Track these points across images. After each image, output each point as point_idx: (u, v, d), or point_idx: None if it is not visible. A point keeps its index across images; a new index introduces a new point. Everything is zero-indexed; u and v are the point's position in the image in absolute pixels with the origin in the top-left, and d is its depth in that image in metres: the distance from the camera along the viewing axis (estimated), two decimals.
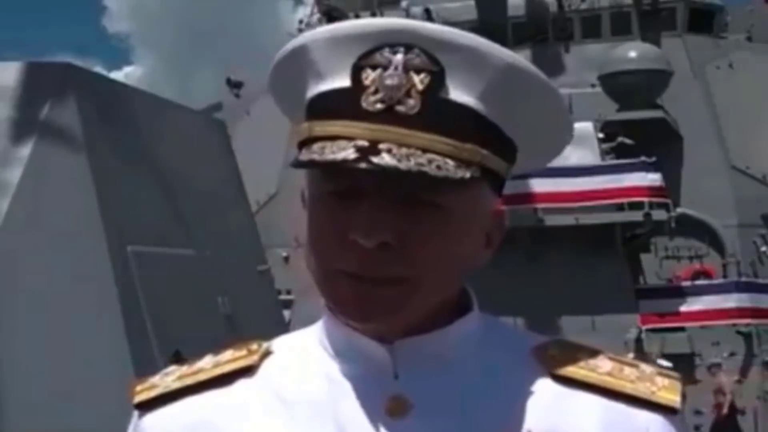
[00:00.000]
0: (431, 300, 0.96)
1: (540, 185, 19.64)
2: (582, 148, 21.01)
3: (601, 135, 21.77)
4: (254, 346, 1.04)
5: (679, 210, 22.14)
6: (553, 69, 24.65)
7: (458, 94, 0.92)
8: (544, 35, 26.39)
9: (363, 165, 0.87)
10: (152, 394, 1.03)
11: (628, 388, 0.97)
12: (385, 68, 0.91)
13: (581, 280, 19.19)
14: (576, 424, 0.95)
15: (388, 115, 0.90)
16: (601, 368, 0.99)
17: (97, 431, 3.12)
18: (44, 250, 3.40)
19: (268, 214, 20.83)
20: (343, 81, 0.93)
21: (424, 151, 0.90)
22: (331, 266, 0.94)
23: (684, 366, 19.26)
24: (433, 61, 0.91)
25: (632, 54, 22.88)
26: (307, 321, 1.06)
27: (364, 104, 0.91)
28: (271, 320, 4.77)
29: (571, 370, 0.98)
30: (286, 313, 9.57)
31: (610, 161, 21.10)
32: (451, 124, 0.91)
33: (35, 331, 3.31)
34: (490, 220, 1.00)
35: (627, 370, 0.99)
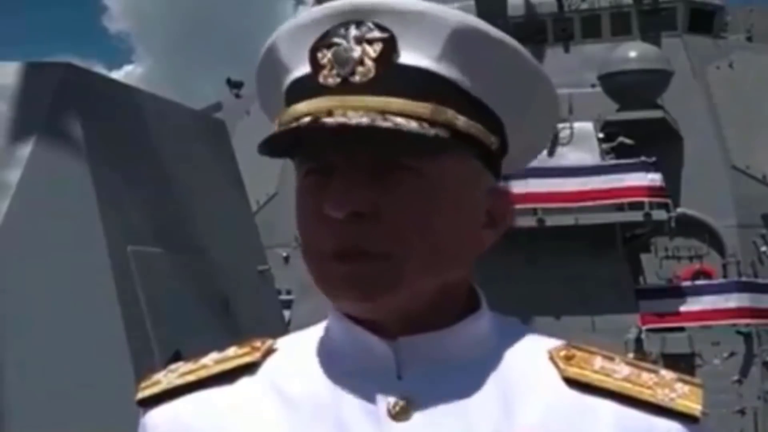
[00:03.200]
0: (426, 280, 0.93)
1: (540, 185, 19.66)
2: (582, 148, 21.05)
3: (601, 135, 21.81)
4: (258, 344, 1.04)
5: (679, 210, 22.17)
6: (553, 69, 24.68)
7: (414, 57, 0.91)
8: (544, 35, 26.39)
9: (314, 126, 0.89)
10: (155, 390, 1.03)
11: (646, 394, 0.93)
12: (339, 45, 0.92)
13: (581, 280, 19.22)
14: (588, 430, 0.92)
15: (345, 86, 0.91)
16: (617, 373, 0.95)
17: (97, 431, 3.12)
18: (44, 250, 3.40)
19: (268, 214, 20.85)
20: (306, 67, 0.94)
21: (382, 113, 0.89)
22: (316, 250, 0.94)
23: (684, 366, 19.30)
24: (384, 30, 0.92)
25: (632, 54, 22.91)
26: (307, 321, 1.06)
27: (321, 80, 0.92)
28: (271, 320, 4.77)
29: (586, 375, 0.95)
30: (286, 313, 9.57)
31: (610, 161, 21.14)
32: (409, 87, 0.91)
33: (35, 331, 3.31)
34: (486, 196, 0.98)
35: (645, 375, 0.95)
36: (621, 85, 22.62)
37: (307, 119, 0.90)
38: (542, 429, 0.92)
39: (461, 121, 0.93)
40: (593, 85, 23.62)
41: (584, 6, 26.61)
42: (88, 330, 3.34)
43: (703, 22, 26.50)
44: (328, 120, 0.89)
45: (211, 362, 1.03)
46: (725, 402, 19.34)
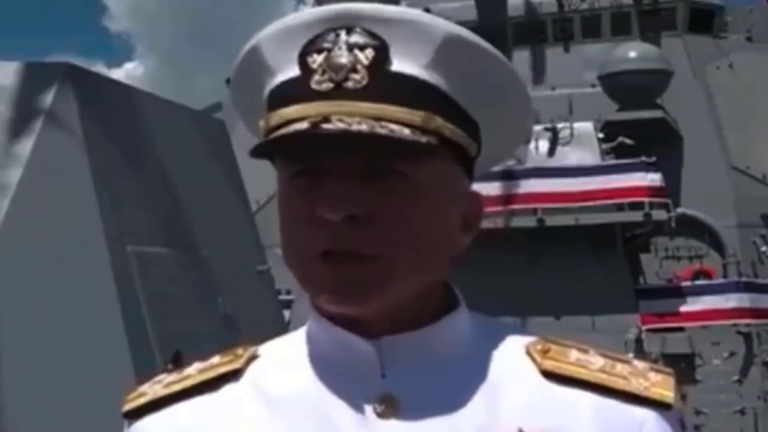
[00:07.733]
0: (410, 282, 0.95)
1: (540, 185, 19.68)
2: (582, 148, 21.06)
3: (601, 135, 21.81)
4: (240, 351, 1.05)
5: (679, 210, 22.17)
6: (553, 69, 24.67)
7: (405, 65, 0.93)
8: (544, 35, 26.40)
9: (315, 131, 0.89)
10: (140, 402, 1.04)
11: (621, 384, 0.96)
12: (330, 50, 0.93)
13: (581, 280, 19.23)
14: (569, 421, 0.95)
15: (338, 92, 0.92)
16: (593, 365, 0.98)
17: None
18: (44, 250, 3.40)
19: (268, 214, 20.79)
20: (293, 71, 0.95)
21: (377, 119, 0.91)
22: (304, 251, 0.94)
23: (684, 366, 19.30)
24: (375, 37, 0.93)
25: (632, 54, 22.92)
26: (307, 321, 1.06)
27: (313, 86, 0.92)
28: (271, 320, 4.77)
29: (563, 367, 0.98)
30: (286, 313, 9.56)
31: (610, 161, 21.15)
32: (401, 94, 0.92)
33: (35, 332, 3.31)
34: (463, 201, 1.00)
35: (619, 366, 0.98)
36: (621, 85, 22.62)
37: (304, 124, 0.91)
38: (525, 422, 0.94)
39: (448, 128, 0.95)
40: (593, 85, 23.62)
41: (584, 6, 26.59)
42: (88, 330, 3.34)
43: (703, 22, 26.48)
44: (329, 126, 0.90)
45: (195, 372, 1.04)
46: (725, 402, 19.33)
